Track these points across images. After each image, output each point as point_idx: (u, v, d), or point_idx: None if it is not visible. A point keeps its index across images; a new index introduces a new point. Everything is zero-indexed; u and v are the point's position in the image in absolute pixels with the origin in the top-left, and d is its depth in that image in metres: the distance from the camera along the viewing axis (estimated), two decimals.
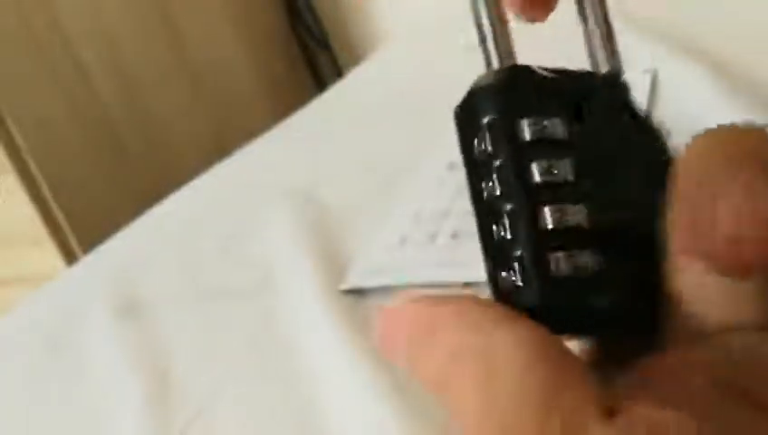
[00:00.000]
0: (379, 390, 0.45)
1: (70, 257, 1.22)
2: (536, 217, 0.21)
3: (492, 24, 0.24)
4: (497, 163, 0.22)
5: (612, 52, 0.24)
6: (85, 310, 0.64)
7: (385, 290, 0.53)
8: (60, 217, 1.23)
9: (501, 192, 0.22)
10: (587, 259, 0.21)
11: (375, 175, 0.68)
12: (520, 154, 0.22)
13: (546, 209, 0.21)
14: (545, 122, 0.22)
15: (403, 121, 0.77)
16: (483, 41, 0.25)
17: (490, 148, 0.23)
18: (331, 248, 0.60)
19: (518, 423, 0.18)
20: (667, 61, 0.61)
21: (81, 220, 1.25)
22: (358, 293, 0.54)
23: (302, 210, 0.66)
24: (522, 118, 0.22)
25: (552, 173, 0.21)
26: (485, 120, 0.23)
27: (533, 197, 0.21)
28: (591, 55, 0.24)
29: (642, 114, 0.22)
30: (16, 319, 0.69)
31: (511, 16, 0.25)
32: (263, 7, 1.61)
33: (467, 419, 0.19)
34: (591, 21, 0.24)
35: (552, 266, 0.20)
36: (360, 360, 0.48)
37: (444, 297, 0.22)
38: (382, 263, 0.55)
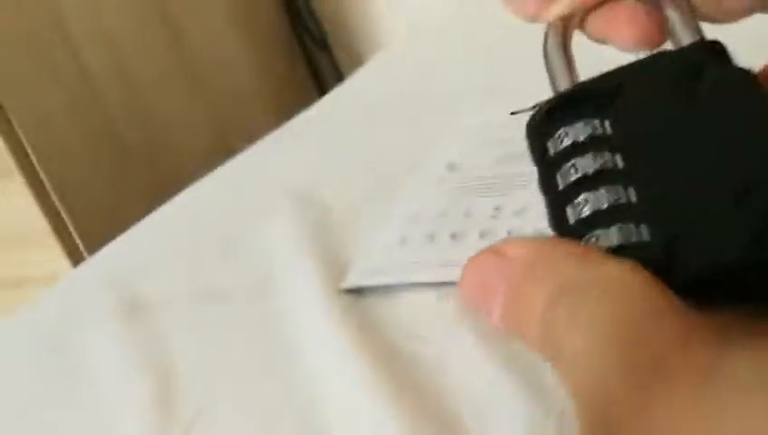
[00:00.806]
0: (379, 390, 0.45)
1: (74, 258, 1.23)
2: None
3: (563, 64, 0.25)
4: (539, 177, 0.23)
5: (691, 25, 0.24)
6: (88, 311, 0.64)
7: (385, 290, 0.54)
8: (64, 217, 1.23)
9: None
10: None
11: (375, 176, 0.69)
12: (547, 171, 0.23)
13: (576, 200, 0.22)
14: (565, 132, 0.22)
15: (403, 123, 0.78)
16: (552, 79, 0.25)
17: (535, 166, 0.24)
18: (332, 248, 0.60)
19: (647, 345, 0.18)
20: None
21: (85, 221, 1.25)
22: (358, 292, 0.54)
23: (303, 211, 0.66)
24: (546, 136, 0.23)
25: (574, 174, 0.22)
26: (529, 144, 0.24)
27: (561, 202, 0.22)
28: (673, 31, 0.24)
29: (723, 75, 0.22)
30: (20, 320, 0.70)
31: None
32: (263, 8, 1.61)
33: (578, 354, 0.18)
34: (672, 10, 0.24)
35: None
36: (361, 360, 0.48)
37: (536, 240, 0.21)
38: (382, 262, 0.56)
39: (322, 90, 1.61)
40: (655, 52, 0.24)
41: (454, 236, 0.55)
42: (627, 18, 0.24)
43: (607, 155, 0.22)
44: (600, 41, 0.25)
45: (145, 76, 1.40)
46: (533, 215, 0.52)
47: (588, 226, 0.21)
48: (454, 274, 0.51)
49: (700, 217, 0.20)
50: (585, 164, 0.22)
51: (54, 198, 1.23)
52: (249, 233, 0.67)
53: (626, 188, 0.21)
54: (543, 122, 0.23)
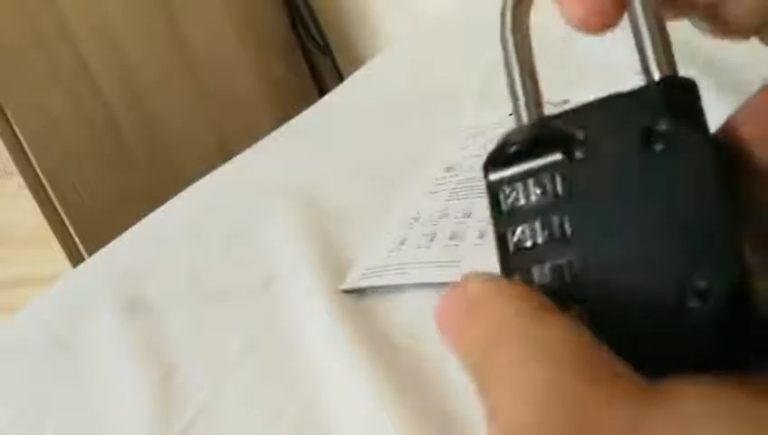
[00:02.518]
0: (379, 390, 0.45)
1: (75, 258, 1.23)
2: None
3: (523, 81, 0.25)
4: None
5: (666, 58, 0.23)
6: (90, 310, 0.64)
7: (385, 290, 0.54)
8: (65, 218, 1.23)
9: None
10: None
11: (375, 177, 0.69)
12: (499, 224, 0.23)
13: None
14: (517, 191, 0.23)
15: (403, 124, 0.78)
16: (513, 94, 0.25)
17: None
18: (332, 249, 0.60)
19: (550, 412, 0.18)
20: None
21: (86, 221, 1.26)
22: (358, 293, 0.55)
23: (303, 212, 0.66)
24: (500, 189, 0.23)
25: (522, 238, 0.23)
26: (486, 186, 0.24)
27: (509, 265, 0.23)
28: (643, 61, 0.23)
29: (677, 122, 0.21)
30: (22, 319, 0.70)
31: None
32: (264, 11, 1.61)
33: (497, 395, 0.19)
34: (643, 28, 0.23)
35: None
36: (360, 360, 0.48)
37: (493, 277, 0.22)
38: (382, 264, 0.56)
39: (323, 92, 1.61)
40: (614, 93, 0.23)
41: (453, 237, 0.55)
42: None
43: (555, 220, 0.22)
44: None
45: (147, 78, 1.40)
46: None
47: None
48: (453, 274, 0.51)
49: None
50: (532, 233, 0.23)
51: (55, 198, 1.23)
52: (249, 233, 0.67)
53: (568, 259, 0.22)
54: (497, 163, 0.24)
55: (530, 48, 0.25)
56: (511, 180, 0.23)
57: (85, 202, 1.28)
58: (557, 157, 0.22)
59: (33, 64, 1.25)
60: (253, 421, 0.48)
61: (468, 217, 0.56)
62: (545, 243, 0.22)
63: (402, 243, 0.57)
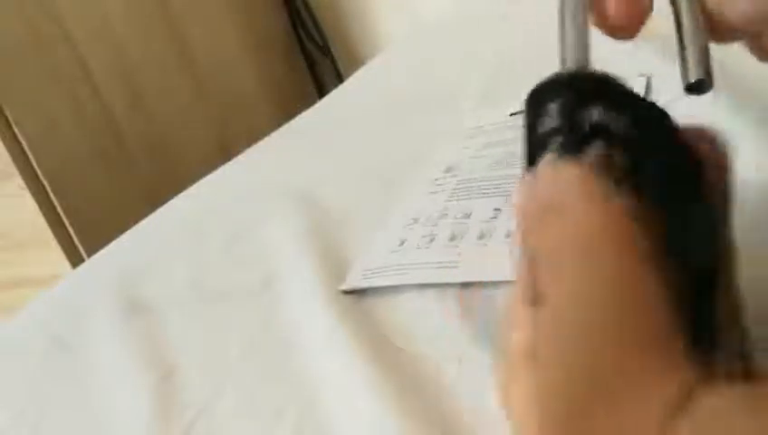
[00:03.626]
0: (379, 390, 0.45)
1: (75, 259, 1.23)
2: None
3: (575, 28, 0.26)
4: (558, 141, 0.24)
5: (705, 65, 0.24)
6: (90, 311, 0.65)
7: (385, 291, 0.54)
8: (65, 219, 1.24)
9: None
10: None
11: (375, 177, 0.69)
12: (580, 138, 0.24)
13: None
14: (605, 115, 0.23)
15: (403, 125, 0.78)
16: (563, 41, 0.26)
17: (554, 125, 0.24)
18: (332, 250, 0.60)
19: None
20: (660, 65, 0.62)
21: (86, 222, 1.26)
22: (358, 294, 0.55)
23: (303, 212, 0.66)
24: (586, 108, 0.24)
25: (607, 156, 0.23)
26: (553, 106, 0.25)
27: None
28: (683, 67, 0.25)
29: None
30: (22, 320, 0.70)
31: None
32: (264, 12, 1.61)
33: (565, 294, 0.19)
34: (687, 30, 0.24)
35: None
36: (360, 360, 0.48)
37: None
38: (382, 264, 0.56)
39: (323, 93, 1.61)
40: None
41: (453, 238, 0.55)
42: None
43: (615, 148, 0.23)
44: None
45: (147, 78, 1.40)
46: None
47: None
48: (453, 275, 0.51)
49: None
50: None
51: (55, 199, 1.23)
52: (249, 233, 0.67)
53: None
54: (540, 94, 0.25)
55: (586, 6, 0.26)
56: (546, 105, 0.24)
57: (85, 203, 1.28)
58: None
59: (33, 65, 1.25)
60: (253, 421, 0.48)
61: (468, 217, 0.56)
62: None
63: (402, 243, 0.57)
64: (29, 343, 0.65)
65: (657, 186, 0.22)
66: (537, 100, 0.25)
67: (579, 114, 0.23)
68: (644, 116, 0.23)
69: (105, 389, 0.56)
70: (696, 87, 0.24)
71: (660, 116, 0.23)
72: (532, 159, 0.24)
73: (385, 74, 0.96)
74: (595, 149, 0.23)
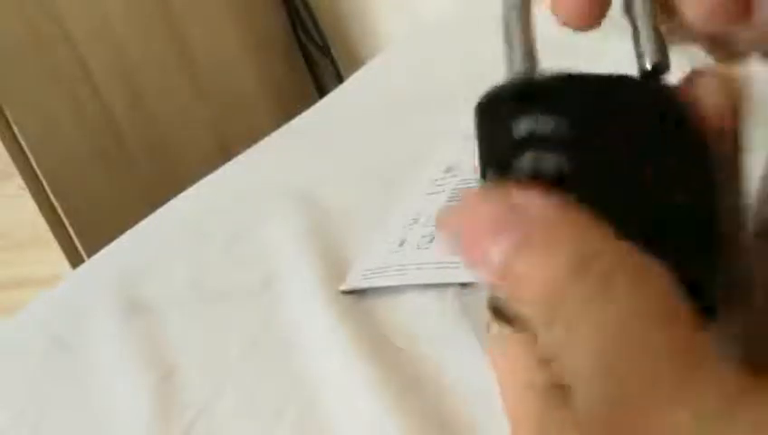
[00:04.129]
0: (379, 389, 0.46)
1: (75, 259, 1.23)
2: None
3: (520, 28, 0.25)
4: (494, 154, 0.24)
5: (659, 48, 0.24)
6: (90, 311, 0.65)
7: (384, 291, 0.54)
8: (65, 219, 1.24)
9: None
10: None
11: (375, 177, 0.69)
12: (512, 149, 0.23)
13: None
14: (539, 122, 0.23)
15: (402, 125, 0.78)
16: (509, 43, 0.26)
17: (495, 141, 0.24)
18: (332, 250, 0.60)
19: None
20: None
21: (86, 222, 1.26)
22: (357, 294, 0.55)
23: (303, 212, 0.66)
24: (518, 117, 0.23)
25: (538, 166, 0.22)
26: (493, 119, 0.24)
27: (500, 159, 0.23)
28: (638, 52, 0.24)
29: (673, 113, 0.22)
30: (22, 320, 0.70)
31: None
32: (264, 12, 1.61)
33: (581, 335, 0.18)
34: (640, 19, 0.24)
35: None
36: (360, 360, 0.48)
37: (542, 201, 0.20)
38: (381, 264, 0.56)
39: (323, 93, 1.61)
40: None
41: None
42: None
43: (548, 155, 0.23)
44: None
45: (146, 78, 1.40)
46: None
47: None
48: (453, 275, 0.51)
49: None
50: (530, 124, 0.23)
51: (54, 199, 1.23)
52: (249, 233, 0.67)
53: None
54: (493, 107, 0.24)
55: (530, 11, 0.26)
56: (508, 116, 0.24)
57: (85, 203, 1.28)
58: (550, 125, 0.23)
59: (33, 65, 1.25)
60: (252, 421, 0.48)
61: None
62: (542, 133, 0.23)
63: (402, 244, 0.57)
64: (29, 343, 0.65)
65: (596, 184, 0.21)
66: (478, 114, 0.25)
67: (512, 125, 0.23)
68: (588, 114, 0.23)
69: (105, 389, 0.56)
70: (653, 71, 0.24)
71: (622, 104, 0.23)
72: (483, 175, 0.24)
73: (385, 74, 0.96)
74: (524, 161, 0.22)
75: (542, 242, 0.19)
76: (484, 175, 0.24)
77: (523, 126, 0.23)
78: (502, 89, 0.24)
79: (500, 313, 0.22)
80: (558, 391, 0.19)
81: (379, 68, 1.00)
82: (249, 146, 0.87)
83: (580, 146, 0.22)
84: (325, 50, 1.66)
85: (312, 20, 1.65)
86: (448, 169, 0.64)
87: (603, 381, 0.18)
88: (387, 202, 0.63)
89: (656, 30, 0.24)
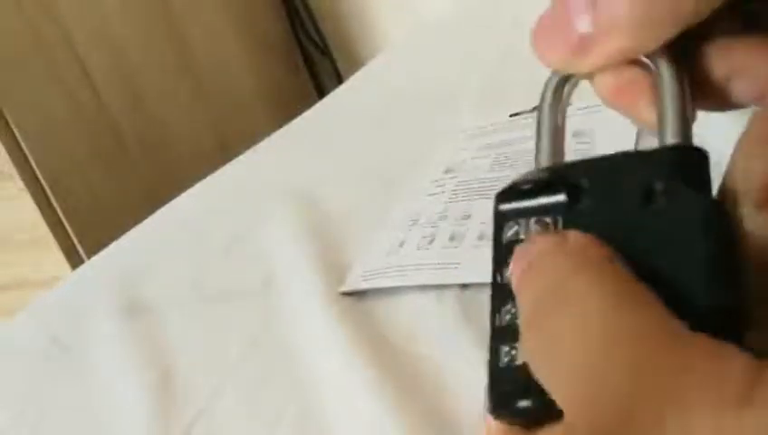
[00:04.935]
0: (379, 390, 0.46)
1: (74, 260, 1.23)
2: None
3: (550, 128, 0.26)
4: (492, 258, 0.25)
5: (682, 127, 0.23)
6: (90, 311, 0.65)
7: (384, 292, 0.54)
8: (64, 220, 1.24)
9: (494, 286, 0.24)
10: None
11: (375, 178, 0.69)
12: (497, 256, 0.24)
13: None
14: (520, 226, 0.24)
15: (402, 125, 0.78)
16: (538, 135, 0.26)
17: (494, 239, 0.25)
18: (331, 251, 0.60)
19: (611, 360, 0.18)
20: None
21: (86, 223, 1.26)
22: (357, 295, 0.55)
23: (303, 214, 0.66)
24: (505, 221, 0.25)
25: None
26: (493, 216, 0.26)
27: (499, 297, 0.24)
28: (660, 126, 0.24)
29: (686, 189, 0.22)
30: (22, 320, 0.70)
31: None
32: (264, 13, 1.61)
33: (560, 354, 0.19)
34: (667, 94, 0.24)
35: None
36: (360, 361, 0.48)
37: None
38: (381, 266, 0.56)
39: (321, 93, 1.61)
40: (625, 150, 0.24)
41: (453, 239, 0.55)
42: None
43: None
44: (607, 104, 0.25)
45: (146, 79, 1.40)
46: None
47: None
48: (453, 276, 0.51)
49: None
50: None
51: (54, 200, 1.23)
52: (249, 234, 0.67)
53: None
54: (507, 197, 0.25)
55: (564, 115, 0.26)
56: (516, 214, 0.25)
57: (85, 204, 1.28)
58: (560, 198, 0.24)
59: (33, 67, 1.25)
60: (252, 422, 0.48)
61: (467, 218, 0.56)
62: None
63: (401, 245, 0.57)
64: (29, 344, 0.65)
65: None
66: (495, 204, 0.26)
67: (501, 232, 0.24)
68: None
69: (105, 389, 0.56)
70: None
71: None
72: (497, 268, 0.24)
73: (385, 74, 0.96)
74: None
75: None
76: (495, 273, 0.24)
77: (530, 231, 0.24)
78: (520, 183, 0.25)
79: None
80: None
81: (378, 68, 1.00)
82: (249, 146, 0.87)
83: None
84: (325, 50, 1.66)
85: (311, 20, 1.65)
86: (448, 170, 0.64)
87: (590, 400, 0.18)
88: (387, 202, 0.63)
89: (682, 111, 0.24)
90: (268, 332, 0.55)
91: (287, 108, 1.20)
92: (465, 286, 0.51)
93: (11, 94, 1.21)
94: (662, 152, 0.23)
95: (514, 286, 0.22)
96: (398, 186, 0.65)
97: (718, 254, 0.21)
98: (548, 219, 0.24)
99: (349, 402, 0.46)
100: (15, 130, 1.20)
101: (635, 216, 0.22)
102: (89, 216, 1.27)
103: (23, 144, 1.21)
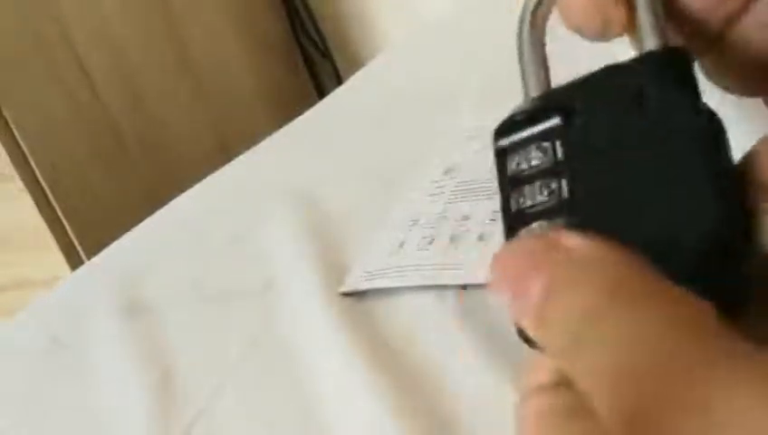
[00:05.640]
0: (379, 390, 0.46)
1: (74, 261, 1.23)
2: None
3: (532, 59, 0.26)
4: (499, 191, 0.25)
5: (659, 31, 0.24)
6: (90, 311, 0.65)
7: (384, 292, 0.54)
8: (64, 220, 1.24)
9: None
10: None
11: (375, 178, 0.69)
12: (505, 186, 0.25)
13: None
14: (521, 156, 0.24)
15: (402, 126, 0.78)
16: (522, 68, 0.26)
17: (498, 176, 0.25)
18: (331, 251, 0.60)
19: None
20: None
21: (86, 223, 1.26)
22: (357, 295, 0.55)
23: (303, 214, 0.66)
24: (506, 155, 0.25)
25: (523, 202, 0.24)
26: (494, 152, 0.26)
27: (514, 225, 0.24)
28: (640, 34, 0.24)
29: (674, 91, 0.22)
30: (22, 320, 0.70)
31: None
32: (263, 14, 1.61)
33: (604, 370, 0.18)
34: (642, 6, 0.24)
35: None
36: (360, 361, 0.48)
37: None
38: (381, 266, 0.56)
39: (321, 93, 1.61)
40: (610, 64, 0.24)
41: (452, 240, 0.55)
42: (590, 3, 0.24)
43: (554, 183, 0.23)
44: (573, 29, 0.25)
45: (146, 80, 1.40)
46: None
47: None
48: (453, 277, 0.51)
49: None
50: (533, 194, 0.24)
51: (54, 201, 1.23)
52: (249, 235, 0.67)
53: (565, 220, 0.23)
54: (505, 132, 0.25)
55: (543, 43, 0.26)
56: (516, 147, 0.25)
57: (85, 204, 1.28)
58: (556, 122, 0.24)
59: (33, 67, 1.25)
60: (252, 422, 0.48)
61: (467, 219, 0.56)
62: (544, 204, 0.23)
63: (401, 245, 0.57)
64: (29, 344, 0.65)
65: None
66: (494, 140, 0.26)
67: (522, 157, 0.24)
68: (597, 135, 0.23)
69: (105, 389, 0.56)
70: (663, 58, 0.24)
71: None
72: (506, 203, 0.24)
73: (384, 75, 0.96)
74: (531, 194, 0.23)
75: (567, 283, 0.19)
76: (506, 207, 0.24)
77: (532, 158, 0.24)
78: (515, 115, 0.25)
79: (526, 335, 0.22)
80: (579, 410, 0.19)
81: (378, 68, 1.00)
82: (249, 146, 0.87)
83: (587, 171, 0.23)
84: (324, 51, 1.66)
85: (311, 21, 1.65)
86: (447, 171, 0.64)
87: (630, 395, 0.18)
88: (387, 202, 0.63)
89: (657, 16, 0.24)
90: (268, 332, 0.55)
91: (287, 108, 1.20)
92: (465, 287, 0.51)
93: (11, 94, 1.21)
94: (646, 58, 0.23)
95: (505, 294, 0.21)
96: (398, 186, 0.65)
97: (716, 162, 0.21)
98: (546, 144, 0.24)
99: (349, 402, 0.46)
100: (15, 131, 1.20)
101: (630, 125, 0.22)
102: (89, 216, 1.27)
103: (22, 144, 1.21)
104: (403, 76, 0.92)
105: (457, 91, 0.80)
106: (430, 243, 0.56)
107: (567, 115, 0.24)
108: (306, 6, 1.64)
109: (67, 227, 1.24)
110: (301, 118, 0.90)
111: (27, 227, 1.24)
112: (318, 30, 1.65)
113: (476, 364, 0.45)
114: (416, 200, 0.62)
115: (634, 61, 0.24)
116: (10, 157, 1.20)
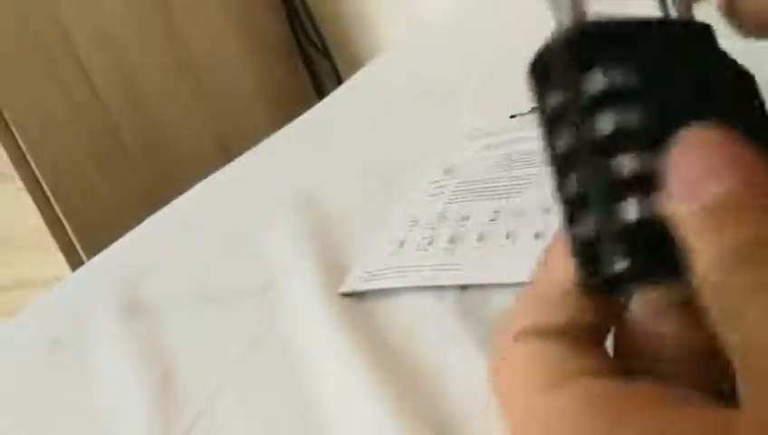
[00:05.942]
0: (379, 390, 0.46)
1: (74, 261, 1.23)
2: (608, 170, 0.21)
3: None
4: (568, 117, 0.22)
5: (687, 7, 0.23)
6: (90, 311, 0.65)
7: (383, 293, 0.54)
8: (64, 220, 1.24)
9: (571, 148, 0.22)
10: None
11: (375, 179, 0.69)
12: (587, 109, 0.21)
13: (618, 159, 0.21)
14: (611, 73, 0.21)
15: (402, 126, 0.78)
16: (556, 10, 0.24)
17: (562, 101, 0.22)
18: (331, 252, 0.60)
19: None
20: None
21: (86, 223, 1.26)
22: (357, 295, 0.55)
23: (303, 213, 0.66)
24: (587, 71, 0.22)
25: (619, 123, 0.21)
26: (557, 75, 0.22)
27: (602, 153, 0.21)
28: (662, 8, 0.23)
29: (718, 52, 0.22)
30: (22, 320, 0.70)
31: None
32: (263, 14, 1.62)
33: None
34: None
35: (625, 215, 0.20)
36: (360, 361, 0.48)
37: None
38: (381, 267, 0.56)
39: (321, 94, 1.61)
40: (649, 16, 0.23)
41: (452, 240, 0.55)
42: None
43: (630, 110, 0.21)
44: None
45: (146, 80, 1.41)
46: (532, 218, 0.53)
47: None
48: (452, 277, 0.51)
49: None
50: (606, 125, 0.21)
51: (54, 201, 1.23)
52: (249, 235, 0.67)
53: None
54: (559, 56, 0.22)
55: None
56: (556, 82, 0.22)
57: (85, 204, 1.28)
58: (615, 51, 0.22)
59: (33, 67, 1.25)
60: (253, 422, 0.48)
61: (467, 219, 0.56)
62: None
63: (401, 245, 0.57)
64: (29, 344, 0.65)
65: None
66: (538, 72, 0.23)
67: (582, 82, 0.21)
68: (656, 61, 0.22)
69: (105, 389, 0.56)
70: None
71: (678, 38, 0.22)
72: (550, 139, 0.22)
73: (384, 75, 0.96)
74: (606, 123, 0.21)
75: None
76: (550, 137, 0.22)
77: (593, 82, 0.21)
78: (558, 43, 0.22)
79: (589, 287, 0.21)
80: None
81: (378, 68, 1.00)
82: (249, 147, 0.87)
83: (655, 96, 0.21)
84: (324, 51, 1.66)
85: (311, 22, 1.65)
86: (447, 171, 0.64)
87: None
88: (387, 202, 0.63)
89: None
90: (268, 332, 0.55)
91: (287, 108, 1.20)
92: (464, 287, 0.51)
93: (11, 94, 1.21)
94: (684, 21, 0.23)
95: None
96: (398, 186, 0.65)
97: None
98: (615, 72, 0.22)
99: (349, 402, 0.46)
100: (15, 131, 1.20)
101: (683, 71, 0.22)
102: (89, 216, 1.27)
103: (22, 144, 1.21)
104: (403, 76, 0.92)
105: (457, 91, 0.80)
106: (430, 243, 0.56)
107: (627, 44, 0.22)
108: (306, 7, 1.64)
109: (67, 228, 1.24)
110: (301, 118, 0.90)
111: (27, 227, 1.24)
112: (318, 30, 1.65)
113: (476, 364, 0.45)
114: (416, 200, 0.62)
115: (673, 20, 0.23)
116: (10, 157, 1.20)
